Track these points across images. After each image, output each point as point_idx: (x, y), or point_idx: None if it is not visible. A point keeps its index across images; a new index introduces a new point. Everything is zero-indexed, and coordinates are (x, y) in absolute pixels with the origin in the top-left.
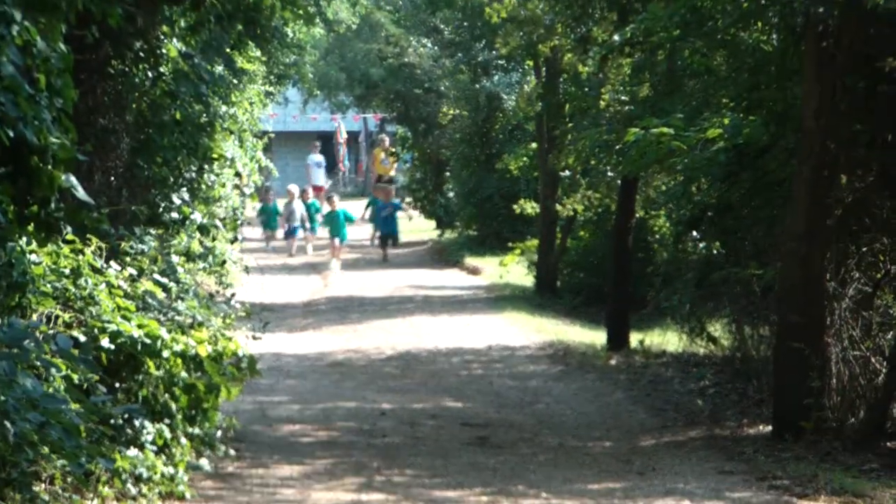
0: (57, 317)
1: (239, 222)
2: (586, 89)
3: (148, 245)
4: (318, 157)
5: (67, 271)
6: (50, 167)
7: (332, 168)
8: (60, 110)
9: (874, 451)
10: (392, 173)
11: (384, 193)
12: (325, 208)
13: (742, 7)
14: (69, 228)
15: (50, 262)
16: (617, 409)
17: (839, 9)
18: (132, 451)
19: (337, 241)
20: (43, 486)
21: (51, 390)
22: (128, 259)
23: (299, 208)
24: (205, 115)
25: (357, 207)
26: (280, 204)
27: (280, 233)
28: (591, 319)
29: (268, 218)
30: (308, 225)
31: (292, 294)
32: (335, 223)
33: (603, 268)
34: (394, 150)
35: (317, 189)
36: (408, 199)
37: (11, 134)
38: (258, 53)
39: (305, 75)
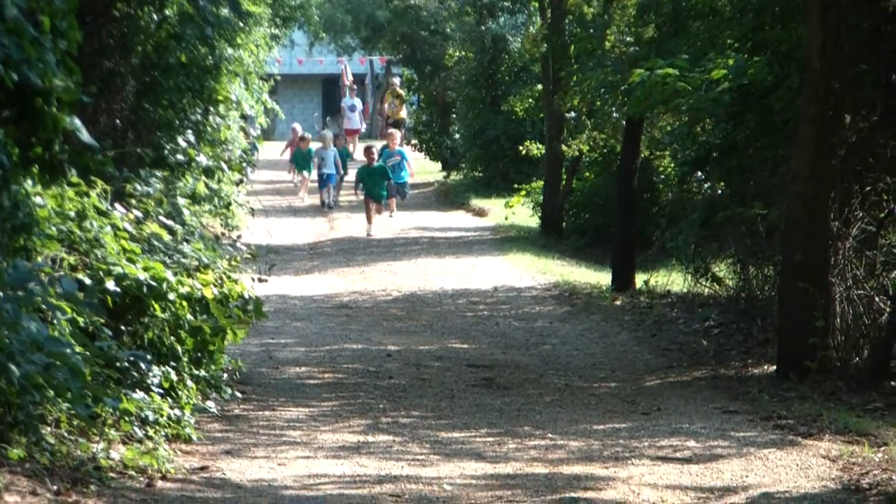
0: (62, 259)
1: (244, 165)
2: (591, 30)
3: (153, 187)
4: (352, 101)
5: (72, 214)
6: (54, 109)
7: (336, 111)
8: (65, 52)
9: (878, 390)
10: (402, 115)
11: (390, 139)
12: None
13: None
14: (74, 171)
15: (55, 205)
16: (622, 349)
17: None
18: (138, 394)
19: (374, 204)
20: (49, 429)
21: (56, 333)
22: (133, 201)
23: (333, 154)
24: (210, 57)
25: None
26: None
27: (313, 174)
28: (597, 260)
29: (302, 161)
30: (342, 171)
31: (298, 236)
32: (374, 180)
33: (608, 208)
34: (401, 92)
35: (352, 132)
36: (413, 142)
37: (16, 76)
38: None
39: (311, 17)
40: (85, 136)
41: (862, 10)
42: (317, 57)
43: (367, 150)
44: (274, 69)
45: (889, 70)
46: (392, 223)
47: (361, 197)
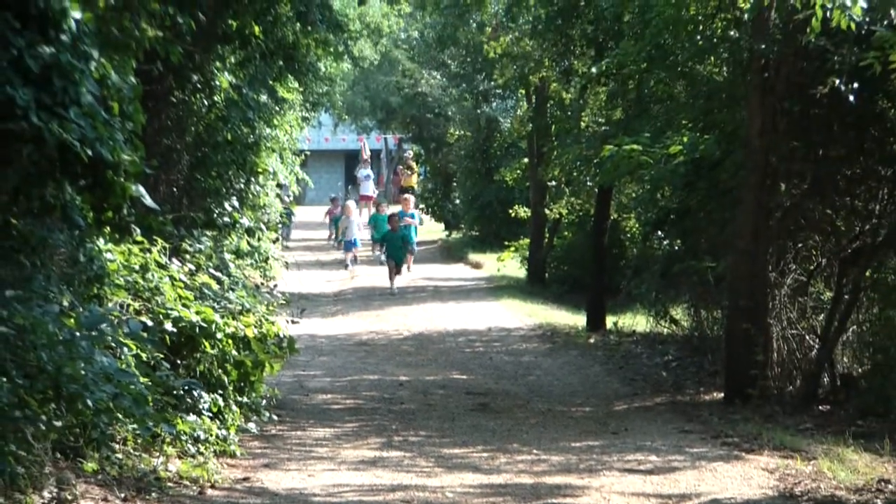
0: (128, 305)
1: (283, 226)
2: (569, 113)
3: (204, 245)
4: (366, 171)
5: (137, 267)
6: (122, 179)
7: (355, 181)
8: (131, 132)
9: (808, 413)
10: (413, 183)
11: (404, 203)
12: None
13: (698, 44)
14: (139, 231)
15: (122, 260)
16: (595, 379)
17: (777, 45)
18: (191, 417)
19: (393, 262)
20: (117, 446)
21: (123, 366)
22: (187, 256)
23: (356, 222)
24: (251, 136)
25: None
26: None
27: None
28: (574, 305)
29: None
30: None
31: (324, 285)
32: (395, 244)
33: (583, 262)
34: (413, 164)
35: (365, 198)
36: (420, 206)
37: (90, 152)
38: (296, 85)
39: (336, 103)
40: (148, 201)
41: (794, 97)
42: (340, 135)
43: (392, 218)
44: (304, 146)
45: (817, 146)
46: (404, 275)
47: (378, 252)
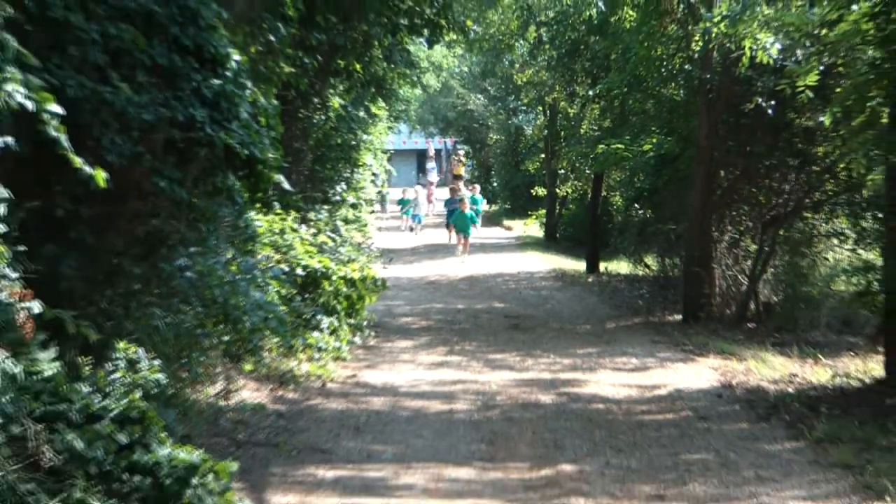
0: (272, 256)
1: (380, 203)
2: (573, 123)
3: (322, 215)
4: (432, 164)
5: (277, 230)
6: (268, 171)
7: (425, 171)
8: (273, 138)
9: (740, 329)
10: (462, 172)
11: (454, 190)
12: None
13: (663, 75)
14: (278, 206)
15: (267, 226)
16: (592, 307)
17: (718, 75)
18: (316, 334)
19: (462, 236)
20: (266, 353)
21: (269, 299)
22: (311, 223)
23: (423, 202)
24: (354, 140)
25: (443, 192)
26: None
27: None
28: (577, 255)
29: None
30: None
31: (404, 243)
32: (464, 222)
33: (583, 226)
34: (462, 158)
35: (431, 183)
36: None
37: (246, 152)
38: (383, 104)
39: (410, 116)
40: (285, 185)
41: (730, 111)
42: (413, 139)
43: (462, 202)
44: (389, 146)
45: (745, 145)
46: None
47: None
